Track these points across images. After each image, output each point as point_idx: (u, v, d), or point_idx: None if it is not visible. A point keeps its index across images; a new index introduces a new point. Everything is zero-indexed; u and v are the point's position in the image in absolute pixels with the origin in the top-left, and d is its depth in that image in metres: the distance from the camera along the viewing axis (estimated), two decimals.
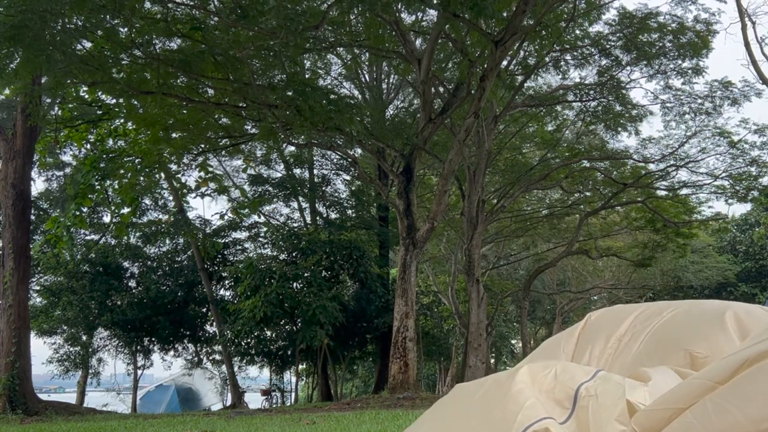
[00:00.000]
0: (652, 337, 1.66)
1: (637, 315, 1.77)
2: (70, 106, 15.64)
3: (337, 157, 22.31)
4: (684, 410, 1.21)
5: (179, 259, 23.40)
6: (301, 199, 22.90)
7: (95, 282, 21.08)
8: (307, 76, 17.40)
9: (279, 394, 20.46)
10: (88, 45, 11.46)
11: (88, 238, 23.03)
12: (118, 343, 23.07)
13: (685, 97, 17.41)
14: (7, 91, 13.97)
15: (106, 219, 22.28)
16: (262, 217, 23.90)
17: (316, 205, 23.00)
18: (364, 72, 20.48)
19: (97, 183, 15.72)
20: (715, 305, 1.69)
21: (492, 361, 32.76)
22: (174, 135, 14.75)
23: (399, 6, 12.90)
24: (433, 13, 14.63)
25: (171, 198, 23.09)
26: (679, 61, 16.19)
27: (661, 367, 1.47)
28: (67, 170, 21.55)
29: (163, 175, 19.30)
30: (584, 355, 1.76)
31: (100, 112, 15.62)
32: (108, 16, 10.37)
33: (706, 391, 1.20)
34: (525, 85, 17.22)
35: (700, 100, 17.39)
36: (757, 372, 1.16)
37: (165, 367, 25.02)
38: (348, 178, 23.72)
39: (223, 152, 19.76)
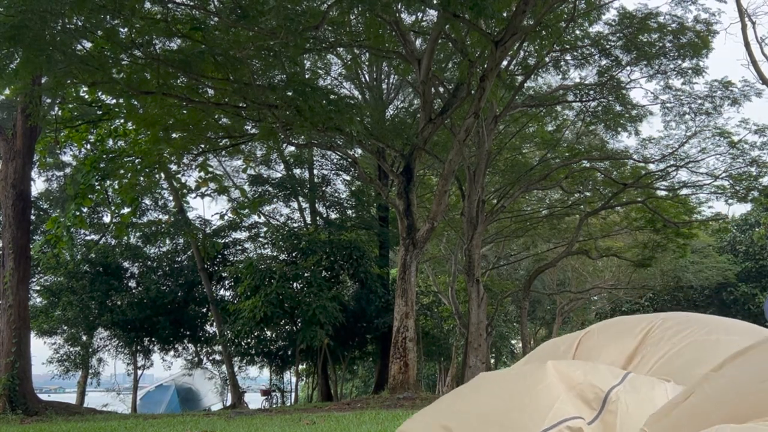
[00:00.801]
0: (665, 363, 1.65)
1: (646, 333, 1.76)
2: (70, 106, 15.63)
3: (337, 157, 22.30)
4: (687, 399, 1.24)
5: (179, 259, 23.39)
6: (301, 199, 22.89)
7: (95, 282, 21.07)
8: (307, 76, 17.40)
9: (279, 394, 20.47)
10: (88, 45, 11.46)
11: (88, 238, 23.03)
12: (118, 343, 23.07)
13: (685, 97, 17.40)
14: (7, 91, 13.96)
15: (106, 219, 22.31)
16: (262, 217, 23.91)
17: (316, 205, 22.99)
18: (364, 72, 20.46)
19: (97, 183, 15.71)
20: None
21: (492, 361, 32.75)
22: (174, 135, 14.74)
23: (399, 6, 12.89)
24: (433, 13, 14.63)
25: (171, 198, 23.09)
26: (679, 61, 16.18)
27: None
28: (67, 170, 21.54)
29: (163, 175, 19.30)
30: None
31: (100, 112, 15.62)
32: (108, 17, 10.37)
33: (703, 381, 1.25)
34: (525, 85, 17.21)
35: (700, 100, 17.37)
36: (748, 356, 1.21)
37: (165, 367, 25.05)
38: (348, 178, 23.73)
39: (223, 152, 19.76)
